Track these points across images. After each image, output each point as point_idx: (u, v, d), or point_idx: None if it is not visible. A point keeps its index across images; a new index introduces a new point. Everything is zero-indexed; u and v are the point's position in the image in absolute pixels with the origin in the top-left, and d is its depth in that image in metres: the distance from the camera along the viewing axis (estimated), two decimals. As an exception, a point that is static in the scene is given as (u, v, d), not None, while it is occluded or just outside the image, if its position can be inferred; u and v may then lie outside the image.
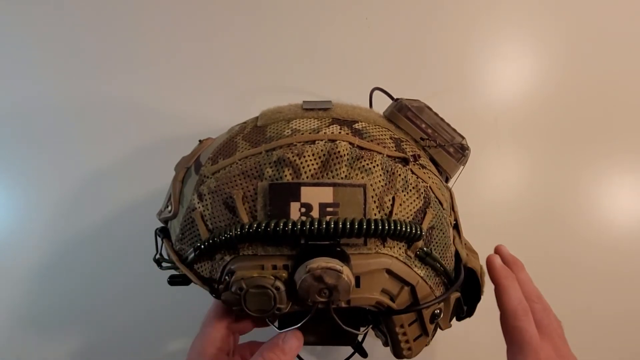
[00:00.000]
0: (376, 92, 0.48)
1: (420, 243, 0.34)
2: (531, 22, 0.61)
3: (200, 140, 0.42)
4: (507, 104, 0.59)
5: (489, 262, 0.41)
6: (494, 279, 0.40)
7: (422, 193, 0.35)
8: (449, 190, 0.41)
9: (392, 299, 0.34)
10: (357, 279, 0.33)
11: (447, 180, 0.42)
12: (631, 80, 0.60)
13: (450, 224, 0.38)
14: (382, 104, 0.44)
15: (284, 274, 0.31)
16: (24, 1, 0.58)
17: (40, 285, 0.57)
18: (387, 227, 0.32)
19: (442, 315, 0.37)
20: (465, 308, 0.41)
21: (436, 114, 0.40)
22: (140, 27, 0.59)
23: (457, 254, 0.39)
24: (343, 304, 0.33)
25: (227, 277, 0.32)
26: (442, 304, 0.37)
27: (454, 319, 0.41)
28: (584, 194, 0.58)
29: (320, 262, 0.30)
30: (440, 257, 0.36)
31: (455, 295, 0.38)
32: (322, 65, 0.59)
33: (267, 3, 0.60)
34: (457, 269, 0.39)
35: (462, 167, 0.41)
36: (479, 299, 0.40)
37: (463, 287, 0.40)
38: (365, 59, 0.60)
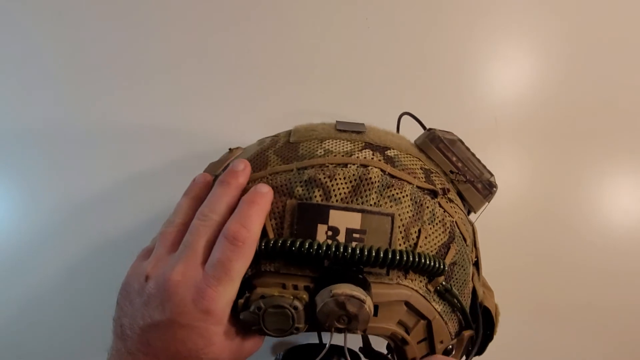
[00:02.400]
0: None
1: (441, 278, 0.34)
2: (532, 21, 0.60)
3: (230, 149, 0.42)
4: (507, 104, 0.59)
5: None
6: None
7: (447, 228, 0.35)
8: (472, 225, 0.41)
9: (407, 332, 0.34)
10: (376, 308, 0.32)
11: (469, 213, 0.42)
12: (632, 79, 0.60)
13: (472, 260, 0.38)
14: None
15: (304, 295, 0.31)
16: (41, 16, 0.58)
17: (43, 286, 0.56)
18: (411, 260, 0.32)
19: (454, 352, 0.37)
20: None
21: (468, 149, 0.40)
22: (164, 43, 0.58)
23: (474, 291, 0.39)
24: (359, 332, 0.32)
25: (247, 292, 0.32)
26: (455, 340, 0.37)
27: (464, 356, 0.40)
28: (585, 194, 0.58)
29: (345, 289, 0.29)
30: (459, 293, 0.36)
31: (468, 333, 0.37)
32: (327, 73, 0.59)
33: (279, 18, 0.60)
34: (473, 307, 0.39)
35: (487, 203, 0.41)
36: (491, 339, 0.40)
37: (476, 327, 0.39)
38: (365, 60, 0.59)
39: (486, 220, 0.54)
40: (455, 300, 0.35)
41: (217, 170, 0.39)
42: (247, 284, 0.32)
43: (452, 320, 0.36)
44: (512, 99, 0.59)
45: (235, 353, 0.33)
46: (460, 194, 0.39)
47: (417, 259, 0.32)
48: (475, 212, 0.41)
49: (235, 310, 0.32)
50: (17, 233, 0.56)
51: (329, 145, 0.36)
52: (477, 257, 0.40)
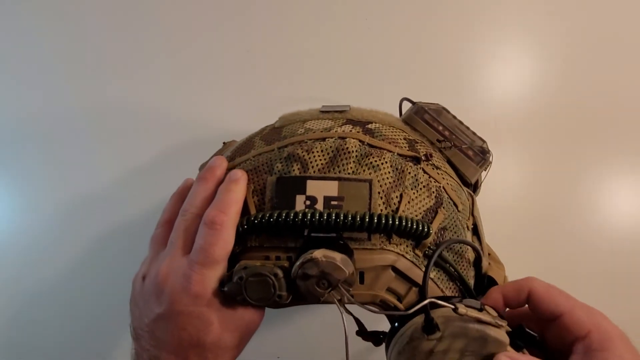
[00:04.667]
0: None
1: (428, 241, 0.33)
2: (531, 23, 0.59)
3: (224, 143, 0.44)
4: (506, 106, 0.58)
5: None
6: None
7: (433, 192, 0.34)
8: (471, 196, 0.40)
9: (399, 299, 0.33)
10: (361, 275, 0.32)
11: (469, 186, 0.41)
12: (632, 80, 0.58)
13: (468, 227, 0.37)
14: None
15: (285, 264, 0.32)
16: (39, 6, 0.61)
17: (43, 285, 0.58)
18: (390, 222, 0.31)
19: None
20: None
21: (454, 117, 0.39)
22: (160, 34, 0.61)
23: (477, 261, 0.37)
24: (346, 300, 0.32)
25: (233, 268, 0.33)
26: (456, 310, 0.35)
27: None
28: (584, 194, 0.56)
29: (295, 266, 0.30)
30: (454, 261, 0.35)
31: (471, 303, 0.36)
32: (326, 68, 0.60)
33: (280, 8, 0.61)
34: (478, 277, 0.37)
35: (483, 171, 0.40)
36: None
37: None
38: (364, 61, 0.60)
39: (485, 221, 0.53)
40: (448, 266, 0.34)
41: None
42: (234, 261, 0.33)
43: (451, 290, 0.35)
44: (512, 100, 0.59)
45: (236, 330, 0.34)
46: (451, 163, 0.39)
47: (396, 222, 0.31)
48: (471, 182, 0.40)
49: (222, 285, 0.33)
50: (16, 232, 0.59)
51: (310, 125, 0.37)
52: (475, 224, 0.38)
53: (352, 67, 0.60)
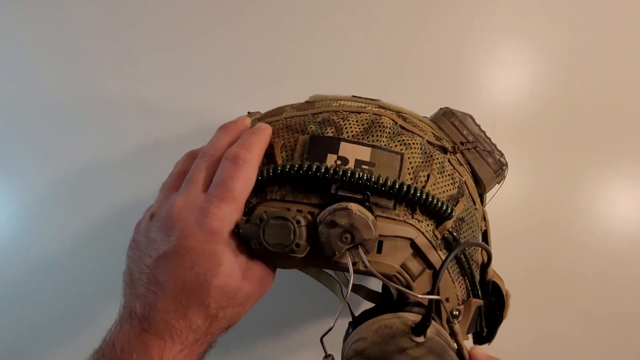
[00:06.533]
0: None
1: (449, 224, 0.33)
2: (530, 26, 0.61)
3: (249, 112, 0.44)
4: (505, 110, 0.59)
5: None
6: None
7: (456, 182, 0.35)
8: (482, 208, 0.40)
9: (412, 279, 0.33)
10: (380, 244, 0.32)
11: (481, 198, 0.41)
12: (631, 85, 0.59)
13: (481, 228, 0.37)
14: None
15: (308, 216, 0.31)
16: None
17: (42, 286, 0.55)
18: (418, 194, 0.31)
19: (460, 317, 0.34)
20: (485, 330, 0.38)
21: (479, 126, 0.41)
22: (145, 22, 0.60)
23: (483, 266, 0.37)
24: (361, 267, 0.31)
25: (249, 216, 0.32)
26: (462, 305, 0.34)
27: (471, 337, 0.38)
28: (584, 199, 0.56)
29: (326, 210, 0.30)
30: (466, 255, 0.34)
31: (477, 302, 0.35)
32: (324, 71, 0.60)
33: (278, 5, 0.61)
34: (482, 282, 0.37)
35: (497, 184, 0.40)
36: (501, 320, 0.37)
37: (486, 304, 0.37)
38: (361, 64, 0.60)
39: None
40: (462, 257, 0.34)
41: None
42: (251, 212, 0.32)
43: (460, 283, 0.34)
44: (511, 104, 0.59)
45: (244, 280, 0.32)
46: (470, 167, 0.39)
47: (424, 195, 0.31)
48: (486, 191, 0.41)
49: (238, 228, 0.31)
50: (7, 221, 0.56)
51: (343, 102, 0.38)
52: (485, 229, 0.39)
53: (350, 70, 0.60)
